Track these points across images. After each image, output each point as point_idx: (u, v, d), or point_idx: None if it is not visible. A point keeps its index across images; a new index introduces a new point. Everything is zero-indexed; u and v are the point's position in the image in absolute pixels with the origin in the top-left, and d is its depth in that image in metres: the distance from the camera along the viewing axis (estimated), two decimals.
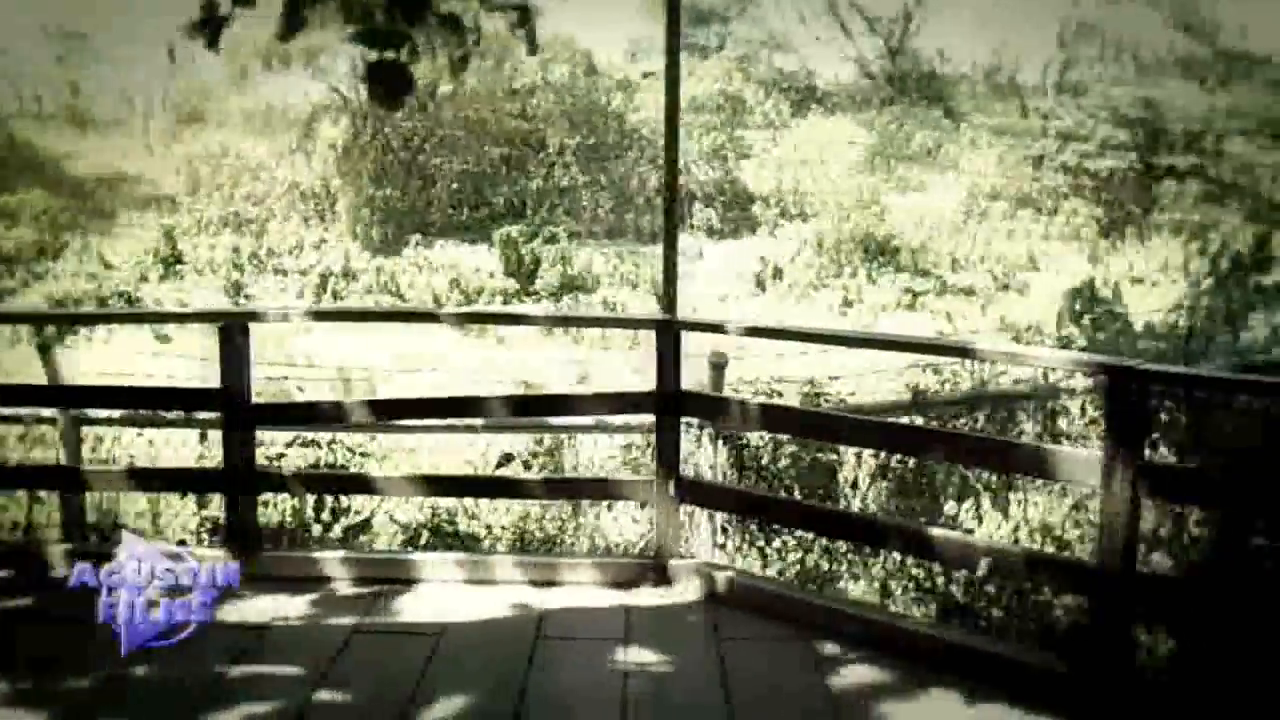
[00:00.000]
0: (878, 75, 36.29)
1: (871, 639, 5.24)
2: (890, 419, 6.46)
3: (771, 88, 34.55)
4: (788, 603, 5.65)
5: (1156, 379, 4.91)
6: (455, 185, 31.00)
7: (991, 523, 6.87)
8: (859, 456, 7.02)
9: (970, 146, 30.90)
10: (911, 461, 6.84)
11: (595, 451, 8.40)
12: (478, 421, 7.55)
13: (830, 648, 5.19)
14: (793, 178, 30.20)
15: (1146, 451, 4.79)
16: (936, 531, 5.37)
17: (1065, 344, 8.05)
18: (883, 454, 6.71)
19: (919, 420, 6.40)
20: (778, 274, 27.12)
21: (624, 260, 27.77)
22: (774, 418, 6.07)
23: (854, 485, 6.88)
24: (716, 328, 6.00)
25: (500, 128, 31.77)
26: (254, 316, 6.14)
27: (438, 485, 6.63)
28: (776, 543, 7.05)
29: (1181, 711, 4.71)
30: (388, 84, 4.49)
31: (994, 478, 6.81)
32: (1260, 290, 8.34)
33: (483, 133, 31.59)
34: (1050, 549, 6.41)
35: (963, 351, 5.78)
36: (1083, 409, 6.31)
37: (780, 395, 7.28)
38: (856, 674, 4.97)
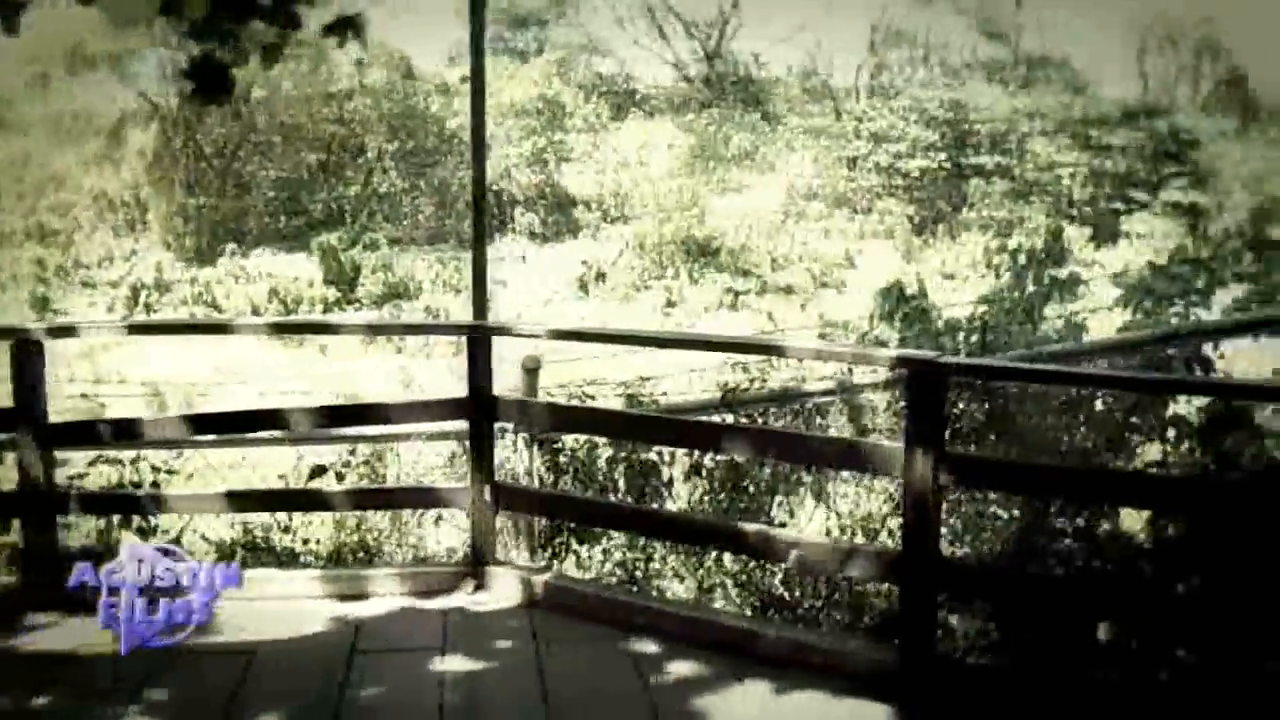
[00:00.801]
0: (696, 79, 36.69)
1: (691, 636, 5.27)
2: (701, 417, 6.52)
3: (591, 91, 34.65)
4: (607, 604, 5.65)
5: (954, 370, 5.07)
6: (272, 192, 30.35)
7: (817, 516, 6.97)
8: (677, 455, 7.06)
9: (787, 148, 31.49)
10: (735, 459, 6.91)
11: (419, 459, 8.28)
12: (295, 434, 7.37)
13: (650, 647, 5.20)
14: (614, 181, 30.36)
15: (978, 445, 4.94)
16: (748, 527, 5.45)
17: (878, 340, 8.25)
18: (699, 453, 6.77)
19: (729, 418, 6.47)
20: (601, 277, 27.24)
21: (446, 266, 27.55)
22: (586, 420, 6.09)
23: (669, 484, 6.92)
24: (523, 332, 6.00)
25: (317, 133, 31.24)
26: (57, 332, 5.91)
27: (245, 501, 6.46)
28: (598, 545, 7.05)
29: (987, 688, 4.85)
30: (207, 83, 4.37)
31: (813, 472, 6.92)
32: (1055, 282, 8.66)
33: (299, 138, 31.02)
34: (864, 539, 6.54)
35: (770, 349, 5.89)
36: (887, 403, 6.47)
37: (593, 398, 7.29)
38: (676, 671, 4.99)
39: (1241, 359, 6.49)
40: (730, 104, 34.10)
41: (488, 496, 5.80)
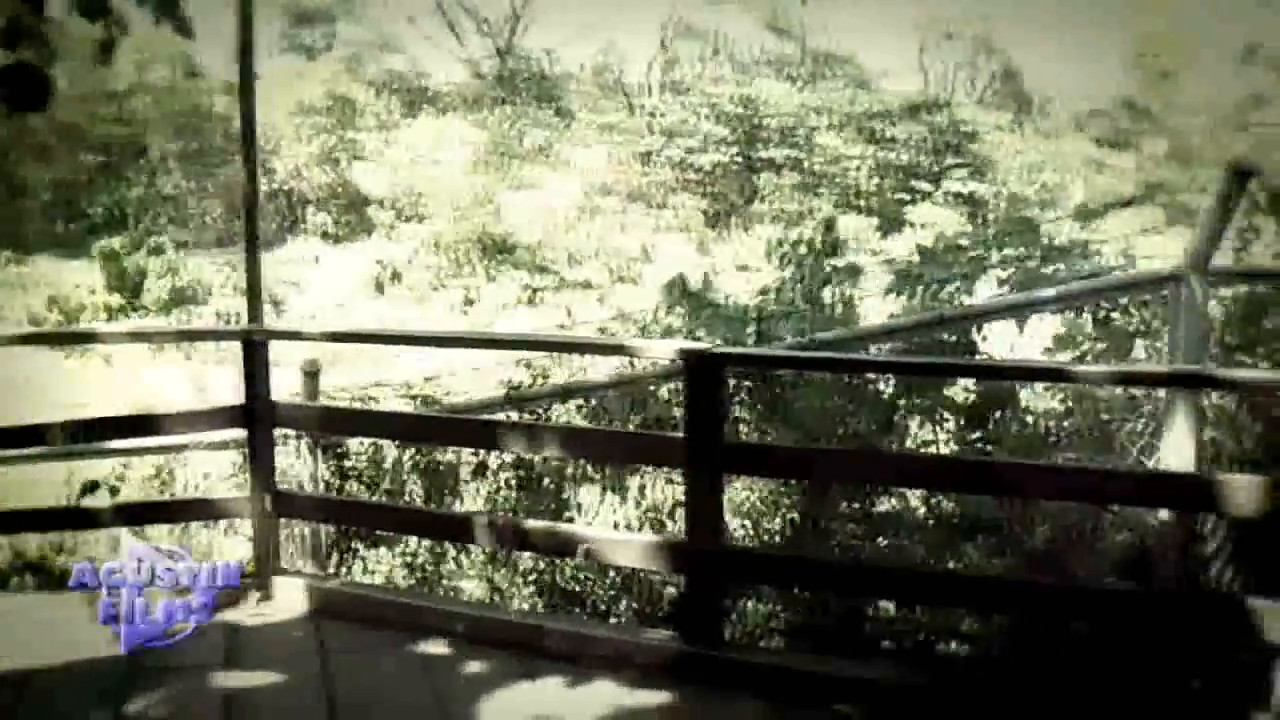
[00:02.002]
0: (489, 75, 36.53)
1: (482, 636, 5.23)
2: (483, 416, 6.49)
3: (383, 88, 34.15)
4: (396, 608, 5.58)
5: (730, 361, 5.16)
6: (49, 196, 28.99)
7: (616, 509, 6.99)
8: (476, 456, 7.01)
9: (581, 144, 31.59)
10: (523, 456, 6.89)
11: (211, 469, 8.05)
12: (63, 448, 7.06)
13: (440, 649, 5.15)
14: (408, 179, 29.98)
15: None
16: (533, 524, 5.45)
17: (668, 330, 8.31)
18: (484, 452, 6.73)
19: (514, 415, 6.45)
20: (397, 276, 26.90)
21: (237, 269, 26.73)
22: (366, 423, 6.01)
23: (465, 484, 6.87)
24: (298, 335, 5.88)
25: (96, 133, 29.98)
26: None
27: (9, 521, 6.17)
28: (391, 549, 6.96)
29: (774, 672, 4.94)
30: (22, 89, 4.13)
31: (609, 468, 6.95)
32: (837, 271, 8.87)
33: (77, 139, 29.71)
34: (653, 530, 6.60)
35: (550, 345, 5.91)
36: (669, 395, 6.54)
37: (375, 400, 7.19)
38: (466, 671, 4.96)
39: (1007, 340, 6.76)
40: (524, 100, 34.06)
41: (269, 505, 5.66)
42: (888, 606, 5.88)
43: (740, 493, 6.25)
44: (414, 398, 7.09)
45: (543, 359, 6.81)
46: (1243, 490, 4.66)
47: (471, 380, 7.18)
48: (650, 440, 5.15)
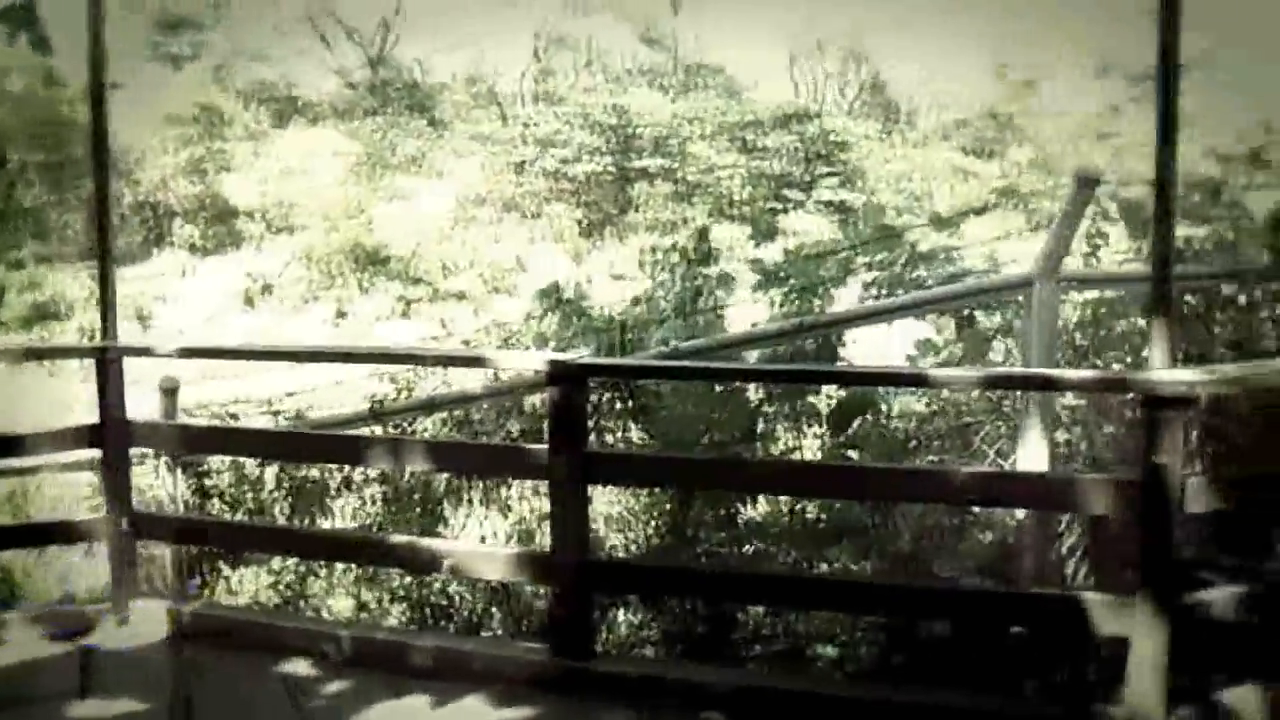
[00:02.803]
0: (360, 85, 36.09)
1: (349, 655, 5.17)
2: (347, 432, 6.41)
3: (252, 98, 33.53)
4: (260, 629, 5.48)
5: (593, 371, 5.16)
6: None
7: (490, 521, 6.95)
8: (348, 471, 6.92)
9: (454, 154, 31.39)
10: (388, 470, 6.81)
11: (71, 490, 7.83)
12: None
13: (306, 670, 5.07)
14: (278, 190, 29.47)
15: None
16: (397, 539, 5.40)
17: (542, 340, 8.29)
18: (348, 467, 6.65)
19: (378, 430, 6.39)
20: (268, 289, 26.44)
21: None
22: (226, 440, 5.89)
23: (326, 499, 6.78)
24: (151, 352, 5.74)
25: None
26: None
27: None
28: (259, 568, 6.82)
29: (644, 682, 4.94)
30: None
31: (482, 481, 6.89)
32: (708, 279, 8.93)
33: None
34: (521, 542, 6.57)
35: (412, 359, 5.87)
36: (539, 406, 6.52)
37: (235, 417, 7.05)
38: (331, 691, 4.89)
39: (875, 344, 6.88)
40: (396, 111, 33.74)
41: (125, 526, 5.51)
42: (759, 612, 5.92)
43: (613, 504, 6.26)
44: (275, 414, 6.98)
45: (406, 372, 6.75)
46: (1094, 489, 4.79)
47: (335, 395, 7.09)
48: (515, 452, 5.13)
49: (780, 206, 27.81)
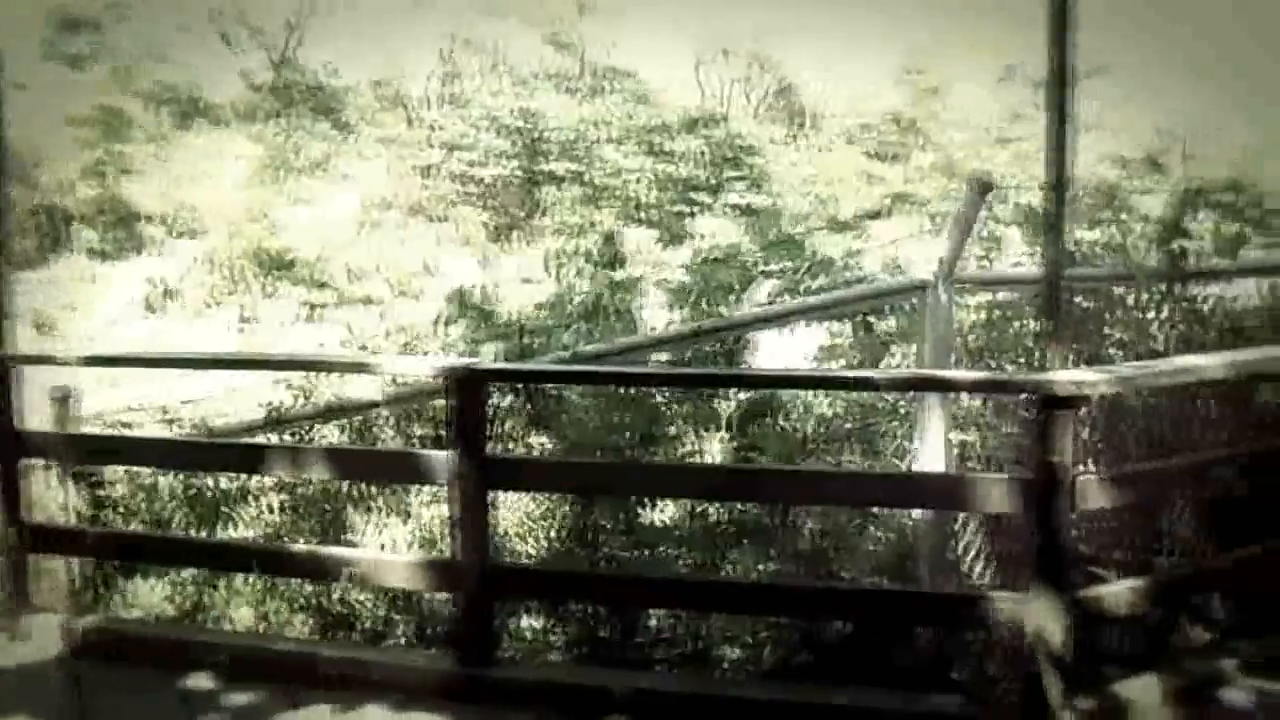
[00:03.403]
0: (264, 87, 35.55)
1: (248, 667, 5.11)
2: (244, 440, 6.32)
3: (153, 100, 32.87)
4: (159, 643, 5.42)
5: (493, 376, 5.15)
6: None
7: (379, 530, 6.89)
8: (240, 478, 6.80)
9: (360, 158, 31.05)
10: (302, 480, 6.73)
11: None
12: None
13: (203, 682, 5.00)
14: (180, 194, 28.94)
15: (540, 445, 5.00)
16: (296, 548, 5.37)
17: (448, 345, 8.25)
18: (247, 476, 6.56)
19: (274, 438, 6.30)
20: (170, 294, 25.94)
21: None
22: (122, 449, 5.81)
23: (227, 508, 6.68)
24: (50, 359, 5.65)
25: None
26: None
27: None
28: (160, 579, 6.70)
29: (547, 687, 4.95)
30: None
31: (388, 488, 6.83)
32: (616, 283, 8.95)
33: None
34: (424, 549, 6.54)
35: (310, 365, 5.81)
36: (434, 411, 6.49)
37: (129, 426, 6.92)
38: (230, 705, 4.84)
39: (781, 347, 6.93)
40: (301, 113, 33.26)
41: (16, 539, 5.40)
42: (662, 615, 5.95)
43: (515, 509, 6.24)
44: (169, 422, 6.86)
45: (305, 379, 6.67)
46: (989, 488, 4.89)
47: (233, 402, 6.99)
48: (414, 458, 5.11)
49: (688, 210, 27.84)
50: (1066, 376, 4.62)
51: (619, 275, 9.07)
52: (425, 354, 7.56)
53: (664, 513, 6.13)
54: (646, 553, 5.95)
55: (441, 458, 4.80)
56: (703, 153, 29.95)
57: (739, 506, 6.00)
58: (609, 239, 13.34)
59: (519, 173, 29.71)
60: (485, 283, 19.35)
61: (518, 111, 30.66)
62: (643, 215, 27.78)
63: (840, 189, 28.60)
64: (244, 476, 6.49)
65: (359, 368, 5.54)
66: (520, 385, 6.27)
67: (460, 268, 26.25)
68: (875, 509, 6.02)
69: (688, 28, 35.18)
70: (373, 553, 6.03)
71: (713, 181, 29.10)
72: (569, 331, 8.03)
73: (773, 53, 35.56)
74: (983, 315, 6.18)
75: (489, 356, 6.98)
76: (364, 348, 9.57)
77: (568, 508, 6.17)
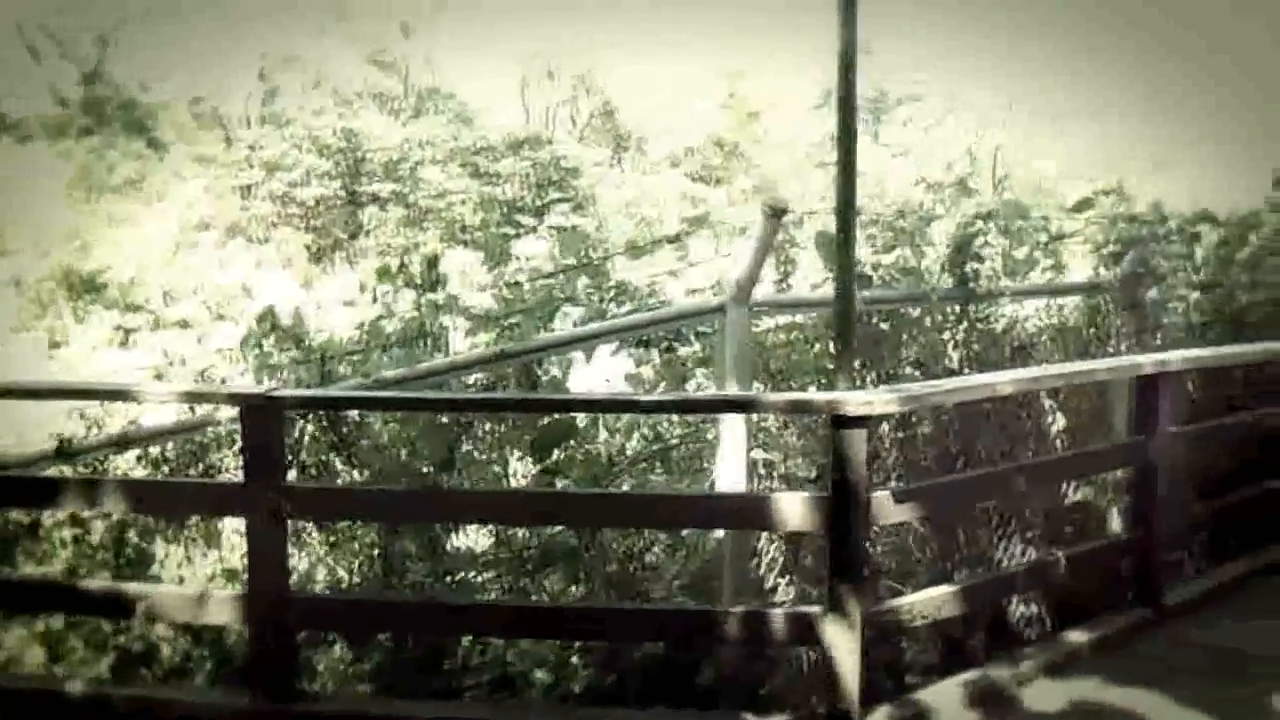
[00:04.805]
0: (74, 104, 34.37)
1: (36, 710, 4.93)
2: (29, 474, 6.05)
3: None
4: None
5: (289, 404, 5.06)
6: None
7: (179, 564, 6.69)
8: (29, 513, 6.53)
9: (176, 177, 30.23)
10: (96, 514, 6.49)
11: None
12: None
13: None
14: None
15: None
16: (93, 585, 5.21)
17: (262, 369, 8.05)
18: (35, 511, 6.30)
19: (67, 470, 6.07)
20: None
21: None
22: None
23: (14, 544, 6.39)
24: None
25: None
26: None
27: None
28: None
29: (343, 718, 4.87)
30: None
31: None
32: (436, 305, 8.89)
33: None
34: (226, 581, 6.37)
35: (88, 394, 5.65)
36: (233, 439, 6.33)
37: None
38: None
39: (581, 375, 6.98)
40: (113, 130, 32.26)
41: None
42: (470, 642, 5.90)
43: (315, 539, 6.13)
44: None
45: (96, 408, 6.44)
46: (787, 506, 4.99)
47: (15, 431, 6.72)
48: (209, 488, 4.99)
49: (513, 232, 27.79)
50: (856, 397, 4.75)
51: (440, 298, 8.98)
52: (224, 380, 7.36)
53: (470, 538, 6.10)
54: (453, 579, 5.90)
55: (236, 487, 4.70)
56: (527, 174, 29.98)
57: (547, 530, 6.00)
58: (431, 261, 13.14)
59: (341, 193, 29.30)
60: (303, 305, 18.99)
61: (340, 131, 30.24)
62: (467, 237, 27.63)
63: (664, 211, 28.90)
64: (33, 511, 6.21)
65: (137, 396, 5.33)
66: (320, 411, 6.16)
67: (280, 290, 25.70)
68: (680, 529, 6.09)
69: (512, 50, 35.28)
70: (169, 587, 5.85)
71: (537, 203, 29.13)
72: (387, 355, 7.93)
73: (597, 75, 35.84)
74: (783, 337, 6.33)
75: (293, 381, 6.85)
76: (156, 375, 9.28)
77: (373, 535, 6.10)
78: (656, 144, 35.05)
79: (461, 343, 8.21)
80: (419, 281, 10.41)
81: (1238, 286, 8.14)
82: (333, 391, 6.13)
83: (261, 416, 4.65)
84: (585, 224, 27.83)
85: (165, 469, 6.34)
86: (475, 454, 6.26)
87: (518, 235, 27.56)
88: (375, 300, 9.29)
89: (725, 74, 34.77)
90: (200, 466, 6.20)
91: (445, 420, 6.17)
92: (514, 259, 26.63)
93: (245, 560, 4.86)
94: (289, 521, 4.80)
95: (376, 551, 6.01)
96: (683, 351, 6.44)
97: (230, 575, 6.45)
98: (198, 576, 6.56)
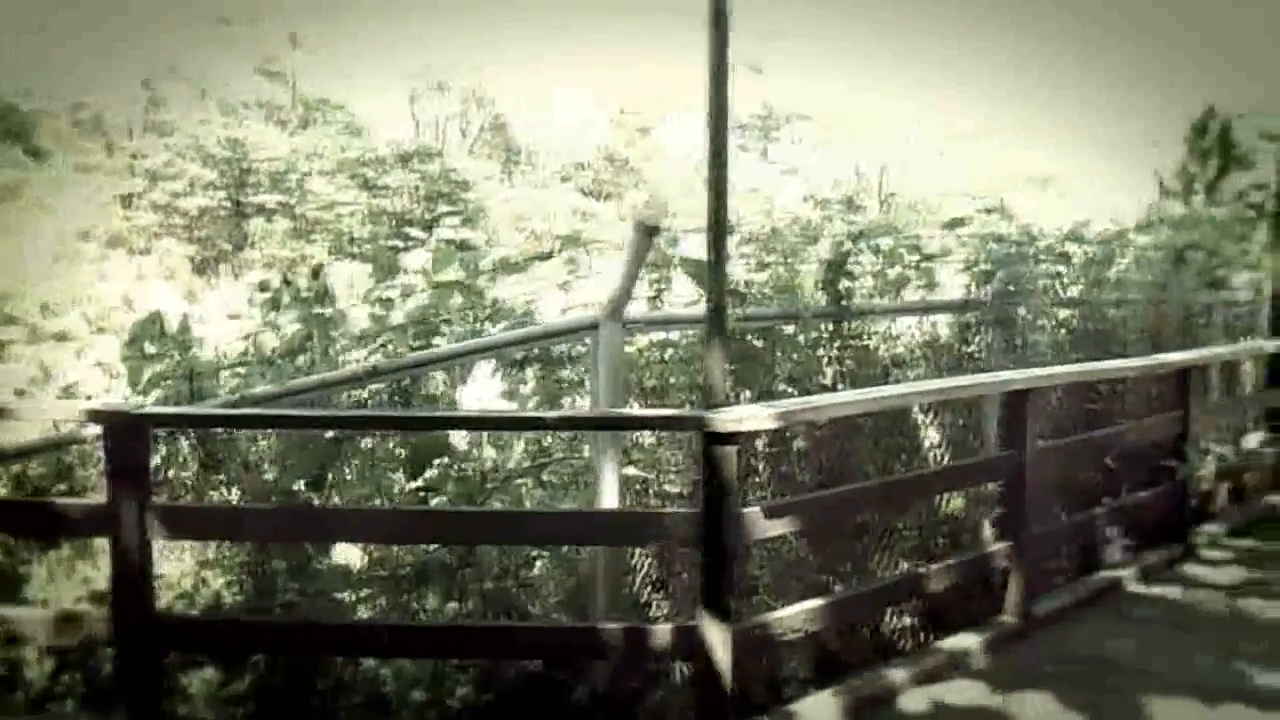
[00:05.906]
0: None
1: None
2: None
3: None
4: None
5: (155, 421, 4.98)
6: None
7: (60, 586, 6.53)
8: None
9: (56, 186, 29.52)
10: None
11: None
12: None
13: None
14: None
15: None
16: None
17: (138, 383, 7.88)
18: None
19: None
20: None
21: None
22: None
23: None
24: None
25: None
26: None
27: None
28: None
29: None
30: None
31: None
32: (321, 319, 8.79)
33: None
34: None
35: None
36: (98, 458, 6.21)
37: None
38: None
39: (458, 395, 6.96)
40: None
41: None
42: (343, 661, 5.85)
43: (184, 558, 6.04)
44: None
45: None
46: (659, 522, 5.03)
47: None
48: (73, 509, 4.86)
49: (402, 244, 27.53)
50: (727, 414, 4.79)
51: (327, 311, 8.86)
52: (88, 396, 7.22)
53: (343, 556, 6.04)
54: (325, 598, 5.84)
55: (99, 506, 4.60)
56: (416, 187, 29.83)
57: (422, 548, 5.96)
58: (315, 273, 12.96)
59: (226, 204, 28.90)
60: (188, 318, 18.62)
61: (225, 141, 29.84)
62: (355, 249, 27.40)
63: (554, 226, 28.92)
64: None
65: (8, 413, 5.21)
66: (190, 429, 6.07)
67: (163, 302, 25.18)
68: (555, 546, 6.09)
69: (401, 62, 35.09)
70: (30, 610, 5.69)
71: (426, 216, 28.97)
72: (272, 369, 7.81)
73: (488, 90, 35.78)
74: (657, 354, 6.38)
75: (173, 396, 6.74)
76: (18, 392, 9.06)
77: (245, 555, 6.01)
78: (547, 158, 35.10)
79: (347, 357, 8.14)
80: (304, 294, 10.27)
81: (1104, 304, 8.40)
82: (202, 409, 6.04)
83: (126, 434, 4.57)
84: (475, 237, 27.73)
85: (29, 488, 6.19)
86: (348, 471, 6.21)
87: (407, 248, 27.34)
88: (265, 313, 9.15)
89: (616, 90, 34.93)
90: (66, 485, 6.07)
91: (317, 437, 6.12)
92: (403, 272, 26.51)
93: (112, 581, 4.75)
94: (154, 542, 4.70)
95: (247, 571, 5.92)
96: (561, 372, 6.46)
97: (98, 597, 6.32)
98: (64, 597, 6.41)
